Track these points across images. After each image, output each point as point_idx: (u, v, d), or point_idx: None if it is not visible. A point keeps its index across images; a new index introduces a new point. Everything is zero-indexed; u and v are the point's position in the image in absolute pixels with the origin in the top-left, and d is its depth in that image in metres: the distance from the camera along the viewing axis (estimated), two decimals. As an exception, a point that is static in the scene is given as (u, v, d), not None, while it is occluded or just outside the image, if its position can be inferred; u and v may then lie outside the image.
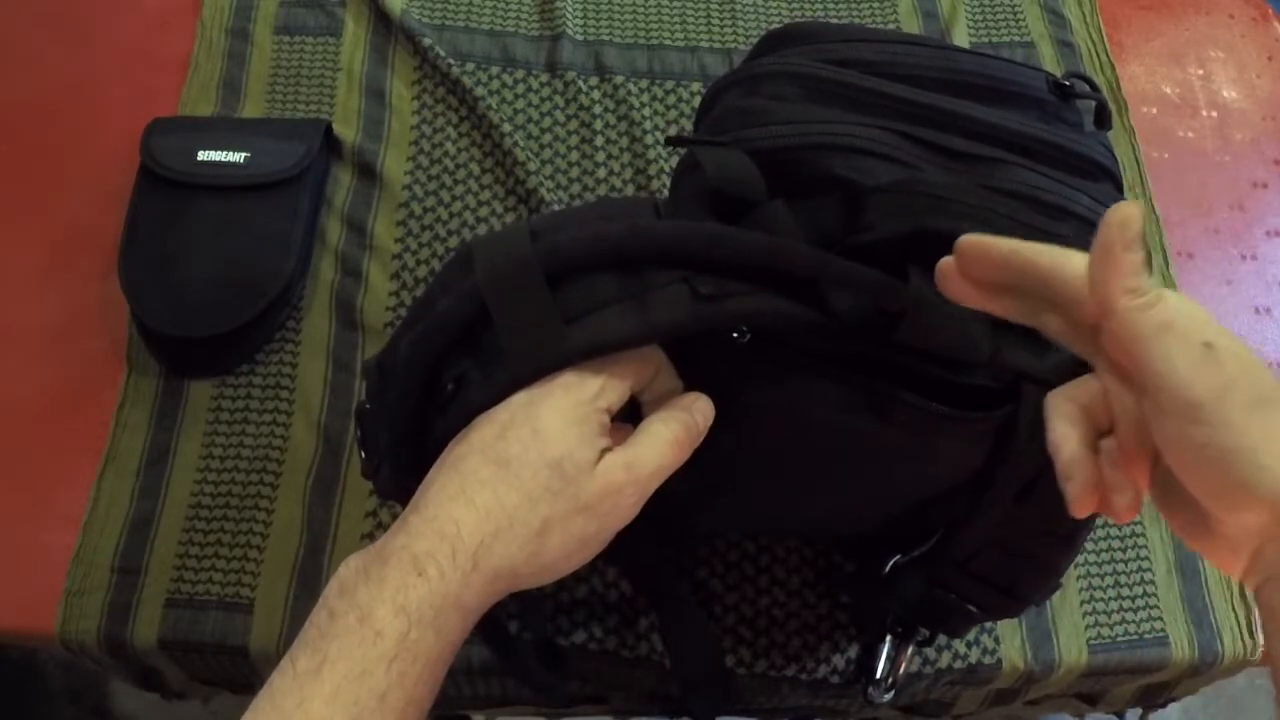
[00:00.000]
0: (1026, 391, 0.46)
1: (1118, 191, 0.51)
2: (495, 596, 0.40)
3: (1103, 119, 0.54)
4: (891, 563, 0.58)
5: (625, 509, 0.41)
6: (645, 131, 0.80)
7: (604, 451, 0.41)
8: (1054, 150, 0.48)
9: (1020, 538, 0.51)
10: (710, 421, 0.44)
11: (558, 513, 0.40)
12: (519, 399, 0.41)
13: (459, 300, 0.42)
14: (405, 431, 0.44)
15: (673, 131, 0.81)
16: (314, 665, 0.37)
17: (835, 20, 0.90)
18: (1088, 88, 0.52)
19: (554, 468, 0.40)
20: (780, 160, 0.46)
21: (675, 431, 0.42)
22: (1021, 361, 0.45)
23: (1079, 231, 0.46)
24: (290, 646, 0.38)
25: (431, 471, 0.41)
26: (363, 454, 0.49)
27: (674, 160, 0.79)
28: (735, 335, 0.44)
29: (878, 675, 0.63)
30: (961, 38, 0.89)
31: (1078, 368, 0.46)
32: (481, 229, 0.76)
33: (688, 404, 0.44)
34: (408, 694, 0.37)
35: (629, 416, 0.44)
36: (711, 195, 0.45)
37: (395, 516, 0.65)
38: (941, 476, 0.51)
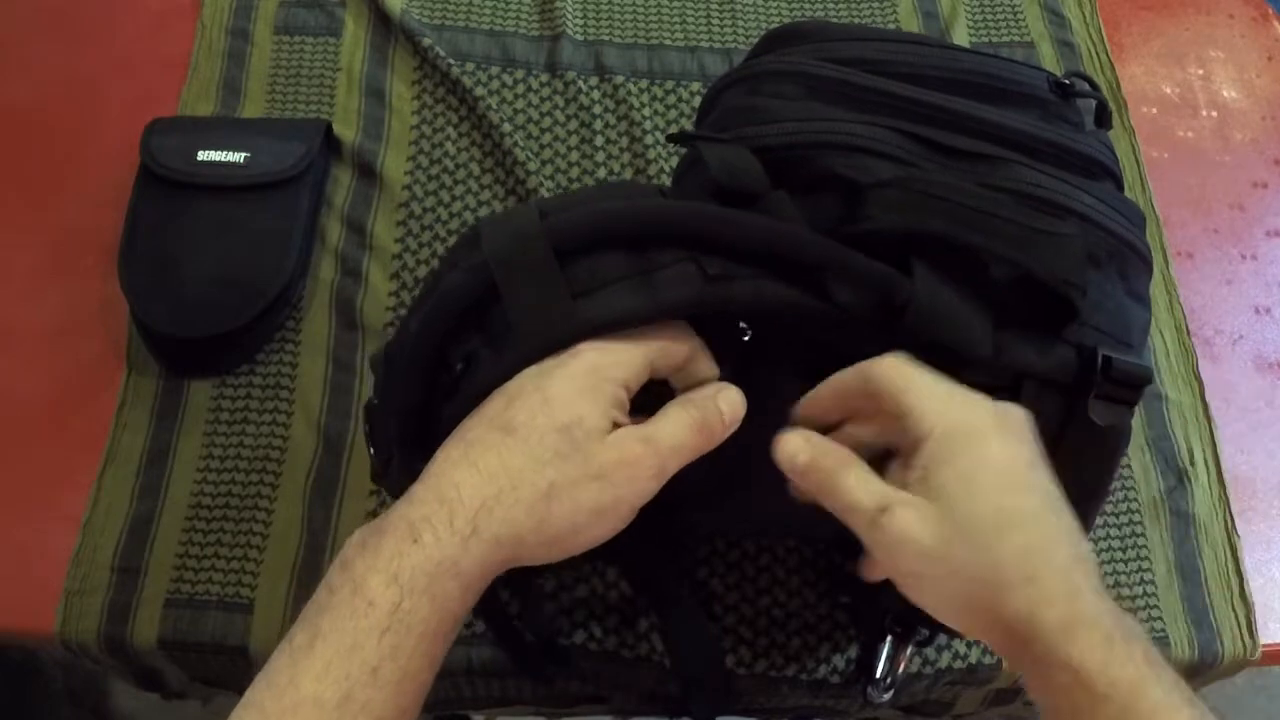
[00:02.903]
0: (1027, 389, 0.46)
1: (1118, 189, 0.51)
2: (498, 566, 0.39)
3: (1103, 118, 0.54)
4: (892, 561, 0.58)
5: (642, 483, 0.40)
6: (645, 131, 0.80)
7: (618, 426, 0.40)
8: (1055, 149, 0.48)
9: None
10: (739, 413, 0.43)
11: (565, 477, 0.38)
12: (530, 371, 0.41)
13: (467, 275, 0.42)
14: (415, 406, 0.44)
15: (673, 131, 0.81)
16: (307, 640, 0.36)
17: (835, 20, 0.90)
18: (1088, 87, 0.52)
19: (562, 432, 0.39)
20: (781, 158, 0.46)
21: (694, 415, 0.41)
22: (1023, 360, 0.45)
23: (1081, 229, 0.46)
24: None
25: (440, 447, 0.41)
26: (371, 451, 0.48)
27: (674, 160, 0.79)
28: (740, 327, 0.44)
29: (877, 675, 0.62)
30: (961, 38, 0.89)
31: (1078, 367, 0.46)
32: (481, 229, 0.76)
33: (712, 391, 0.43)
34: (402, 668, 0.36)
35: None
36: (714, 190, 0.45)
37: (395, 516, 0.65)
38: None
